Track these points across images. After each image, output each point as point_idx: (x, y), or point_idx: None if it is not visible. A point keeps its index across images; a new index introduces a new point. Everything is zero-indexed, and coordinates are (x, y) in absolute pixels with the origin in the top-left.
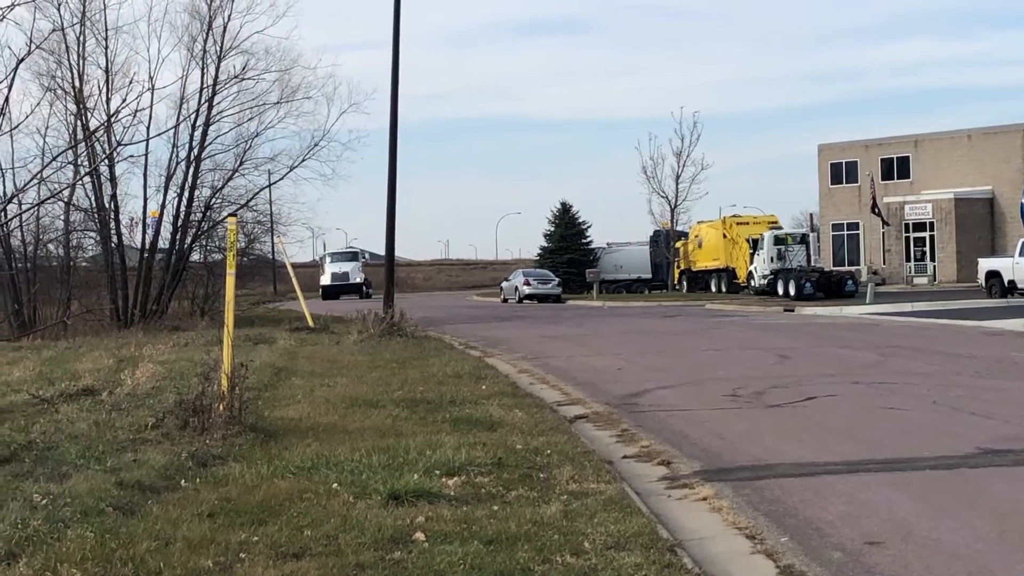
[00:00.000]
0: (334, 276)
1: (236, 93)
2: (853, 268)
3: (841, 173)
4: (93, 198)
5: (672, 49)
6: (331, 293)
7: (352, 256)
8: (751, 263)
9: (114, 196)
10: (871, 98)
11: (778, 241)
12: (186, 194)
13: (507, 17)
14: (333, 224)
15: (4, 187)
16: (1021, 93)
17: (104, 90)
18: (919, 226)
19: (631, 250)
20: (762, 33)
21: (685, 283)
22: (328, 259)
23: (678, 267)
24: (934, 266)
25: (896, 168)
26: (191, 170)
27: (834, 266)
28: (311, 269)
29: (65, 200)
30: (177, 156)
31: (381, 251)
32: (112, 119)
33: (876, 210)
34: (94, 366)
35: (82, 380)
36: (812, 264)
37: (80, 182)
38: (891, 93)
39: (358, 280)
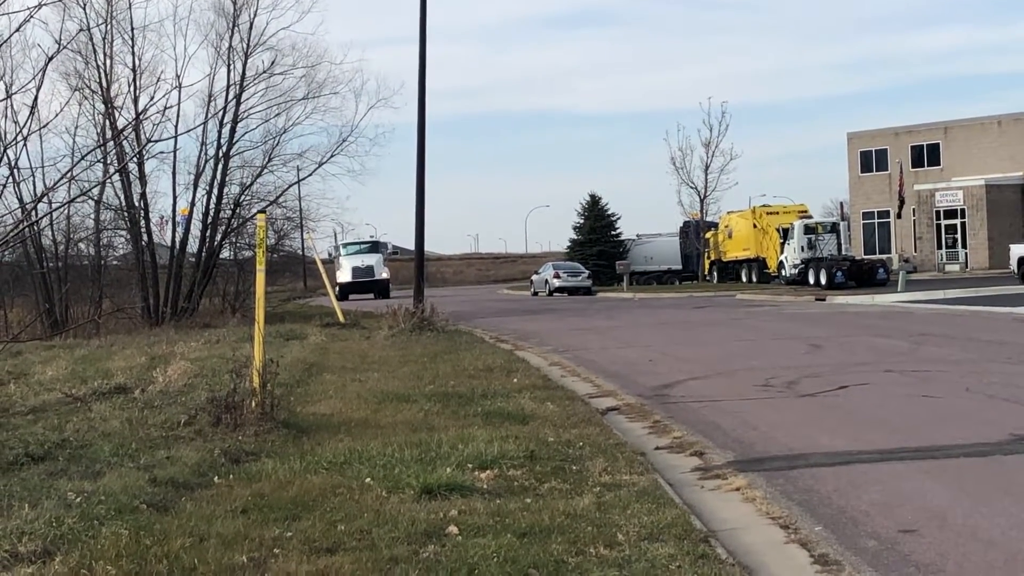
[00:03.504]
0: (356, 271)
1: (263, 90)
2: (884, 256)
3: (871, 161)
4: (123, 197)
5: (700, 40)
6: (352, 290)
7: (373, 247)
8: (781, 253)
9: (143, 194)
10: (901, 86)
11: (808, 230)
12: (215, 191)
13: (538, 11)
14: (361, 220)
15: (34, 186)
16: None
17: (131, 89)
18: (950, 213)
19: (661, 241)
20: (790, 22)
21: (715, 274)
22: (344, 251)
23: (708, 258)
24: (965, 253)
25: (926, 155)
26: (220, 167)
27: (865, 255)
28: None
29: (95, 199)
30: (206, 153)
31: (410, 246)
32: (140, 117)
33: (900, 197)
34: (126, 364)
35: (114, 378)
36: (843, 253)
37: (109, 180)
38: (921, 81)
39: (384, 275)
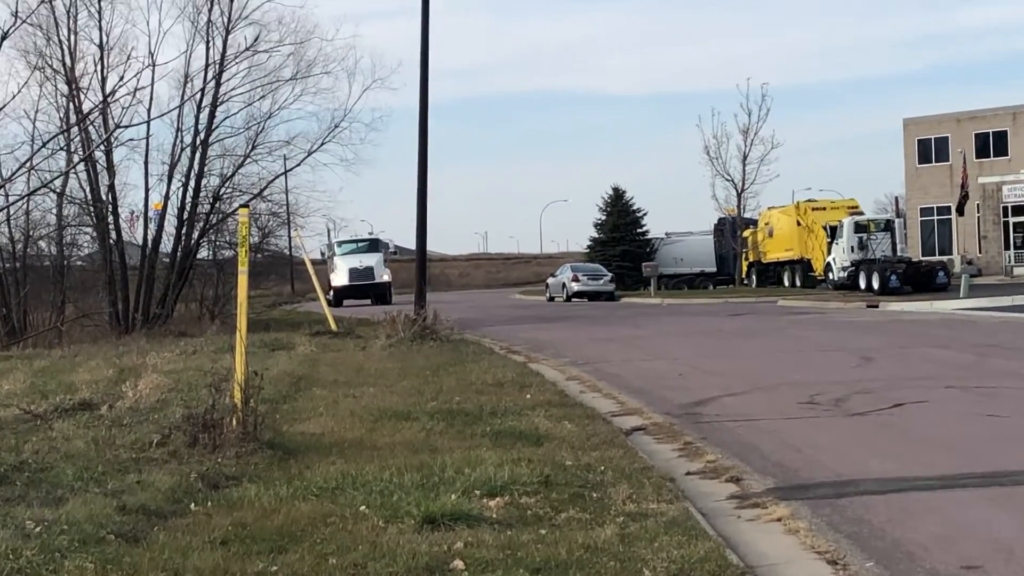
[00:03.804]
0: (353, 273)
1: (247, 69)
2: (944, 258)
3: (930, 151)
4: (88, 189)
5: (737, 12)
6: (348, 295)
7: (372, 246)
8: (829, 253)
9: (112, 187)
10: (964, 66)
11: (859, 228)
12: (192, 183)
13: None
14: (356, 215)
15: None
16: None
17: (99, 68)
18: (1019, 209)
19: (693, 240)
20: None
21: (754, 277)
22: (339, 251)
23: (746, 259)
24: None
25: (992, 144)
26: (197, 156)
27: (923, 256)
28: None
29: (57, 191)
30: (182, 141)
31: (410, 245)
32: (108, 99)
33: (963, 191)
34: (92, 377)
35: (79, 393)
36: (898, 254)
37: (74, 171)
38: (986, 60)
39: (385, 278)
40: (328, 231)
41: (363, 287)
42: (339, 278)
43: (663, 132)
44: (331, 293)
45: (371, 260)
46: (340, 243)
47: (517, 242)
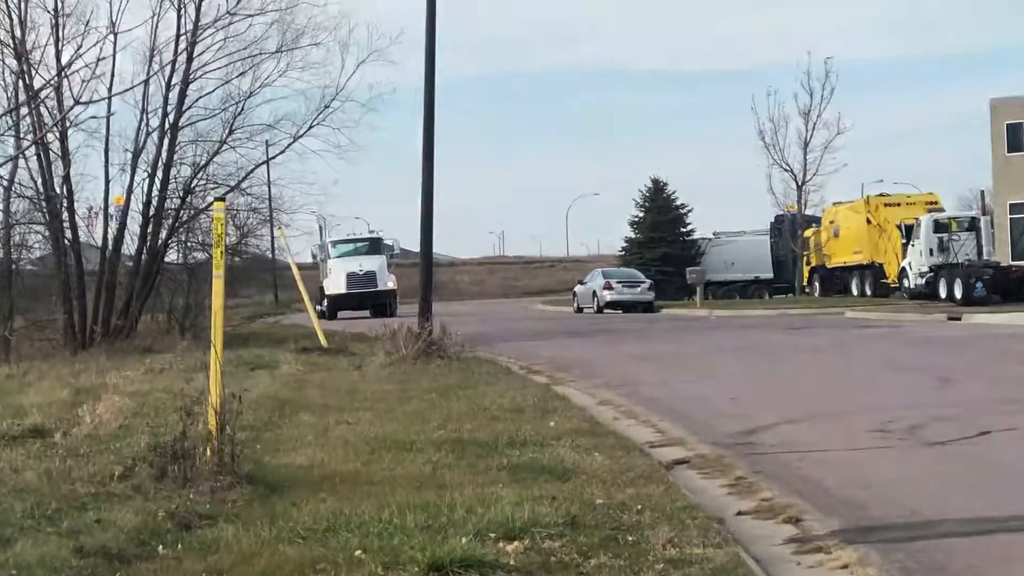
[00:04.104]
0: (352, 279)
1: (223, 40)
2: None
3: (1021, 137)
4: (40, 180)
5: None
6: (346, 305)
7: (373, 246)
8: (903, 257)
9: (67, 178)
10: None
11: (939, 227)
12: (159, 174)
13: None
14: (350, 212)
15: None
16: None
17: (53, 39)
18: None
19: (745, 241)
20: None
21: (817, 284)
22: (334, 252)
23: (807, 263)
24: None
25: None
26: (166, 142)
27: (1013, 260)
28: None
29: (4, 183)
30: (147, 124)
31: (413, 247)
32: (64, 73)
33: None
34: (44, 399)
35: (28, 417)
36: (984, 257)
37: (23, 158)
38: None
39: (389, 285)
40: (320, 228)
41: (363, 296)
42: (334, 285)
43: (710, 114)
44: (323, 303)
45: (372, 264)
46: (335, 243)
47: (539, 244)
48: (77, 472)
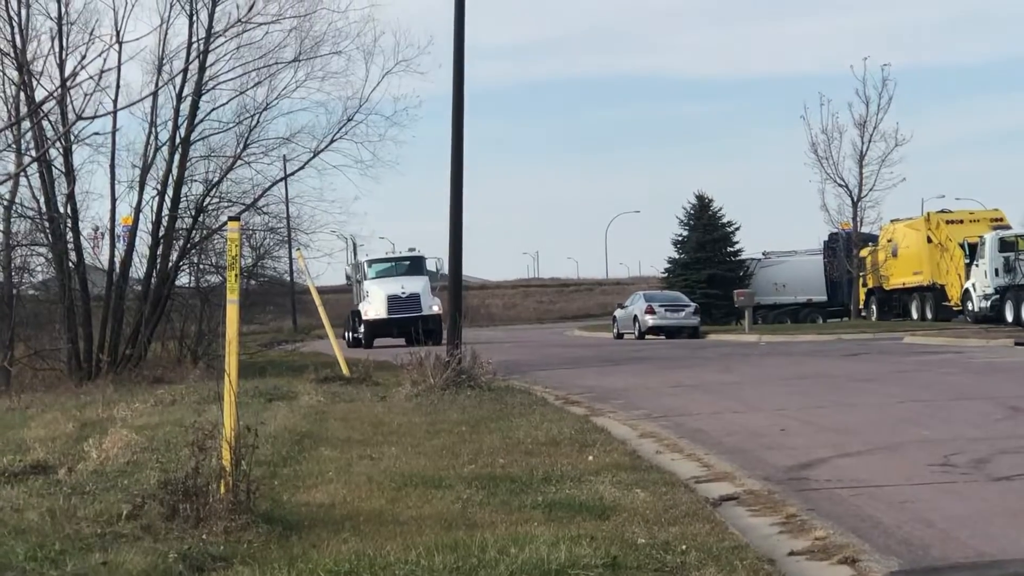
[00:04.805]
0: (394, 302)
1: (236, 49)
2: None
3: None
4: (43, 199)
5: None
6: (386, 331)
7: (415, 265)
8: (967, 278)
9: (71, 196)
10: None
11: (1005, 246)
12: (170, 191)
13: None
14: (373, 231)
15: None
16: None
17: (56, 49)
18: None
19: (797, 262)
20: None
21: (874, 307)
22: (370, 272)
23: (864, 285)
24: None
25: None
26: (176, 157)
27: None
28: (347, 294)
29: (4, 202)
30: (156, 138)
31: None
32: (67, 85)
33: None
34: (47, 433)
35: (32, 453)
36: None
37: (25, 175)
38: None
39: (435, 309)
40: (353, 247)
41: (406, 321)
42: (373, 309)
43: (759, 126)
44: (359, 329)
45: (416, 285)
46: (372, 262)
47: (576, 265)
48: (82, 511)
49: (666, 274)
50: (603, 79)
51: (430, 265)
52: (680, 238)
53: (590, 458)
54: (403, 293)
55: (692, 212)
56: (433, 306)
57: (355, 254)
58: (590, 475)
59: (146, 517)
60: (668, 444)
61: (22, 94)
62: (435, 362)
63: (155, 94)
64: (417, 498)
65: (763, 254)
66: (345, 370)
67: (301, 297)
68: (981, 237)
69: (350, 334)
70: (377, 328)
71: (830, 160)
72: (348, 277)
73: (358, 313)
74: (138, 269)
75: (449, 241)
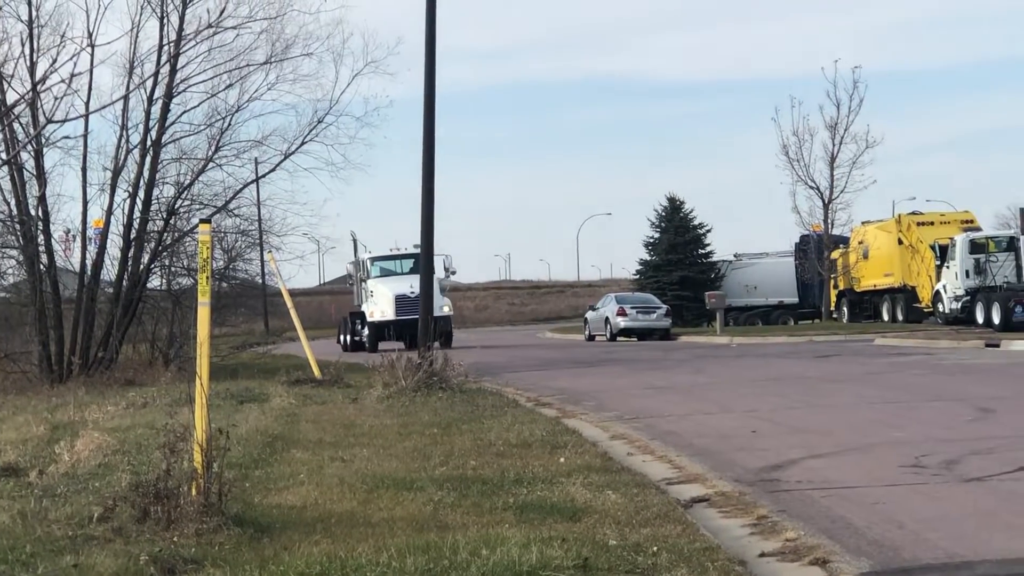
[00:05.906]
0: (402, 302)
1: (207, 52)
2: None
3: None
4: (13, 202)
5: None
6: (393, 333)
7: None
8: (938, 279)
9: (42, 199)
10: None
11: (976, 248)
12: (141, 194)
13: None
14: (344, 233)
15: None
16: None
17: (26, 52)
18: None
19: (769, 264)
20: None
21: (845, 309)
22: (374, 270)
23: (835, 287)
24: None
25: None
26: (147, 160)
27: None
28: (318, 296)
29: None
30: (128, 141)
31: None
32: (38, 88)
33: None
34: (19, 435)
35: (2, 455)
36: None
37: None
38: None
39: (445, 310)
40: (355, 244)
41: (416, 323)
42: (379, 310)
43: (730, 128)
44: (362, 332)
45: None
46: (375, 260)
47: (548, 266)
48: (53, 513)
49: (638, 276)
50: (575, 81)
51: (438, 263)
52: (651, 240)
53: (561, 460)
54: (412, 293)
55: (663, 214)
56: (444, 307)
57: (356, 251)
58: (562, 477)
59: (117, 519)
60: (640, 446)
61: None
62: (406, 364)
63: (126, 97)
64: (389, 500)
65: (734, 256)
66: (317, 373)
67: (273, 300)
68: (952, 239)
69: (348, 337)
70: (383, 330)
71: (801, 162)
72: (349, 277)
73: (360, 314)
74: (109, 272)
75: (421, 243)
